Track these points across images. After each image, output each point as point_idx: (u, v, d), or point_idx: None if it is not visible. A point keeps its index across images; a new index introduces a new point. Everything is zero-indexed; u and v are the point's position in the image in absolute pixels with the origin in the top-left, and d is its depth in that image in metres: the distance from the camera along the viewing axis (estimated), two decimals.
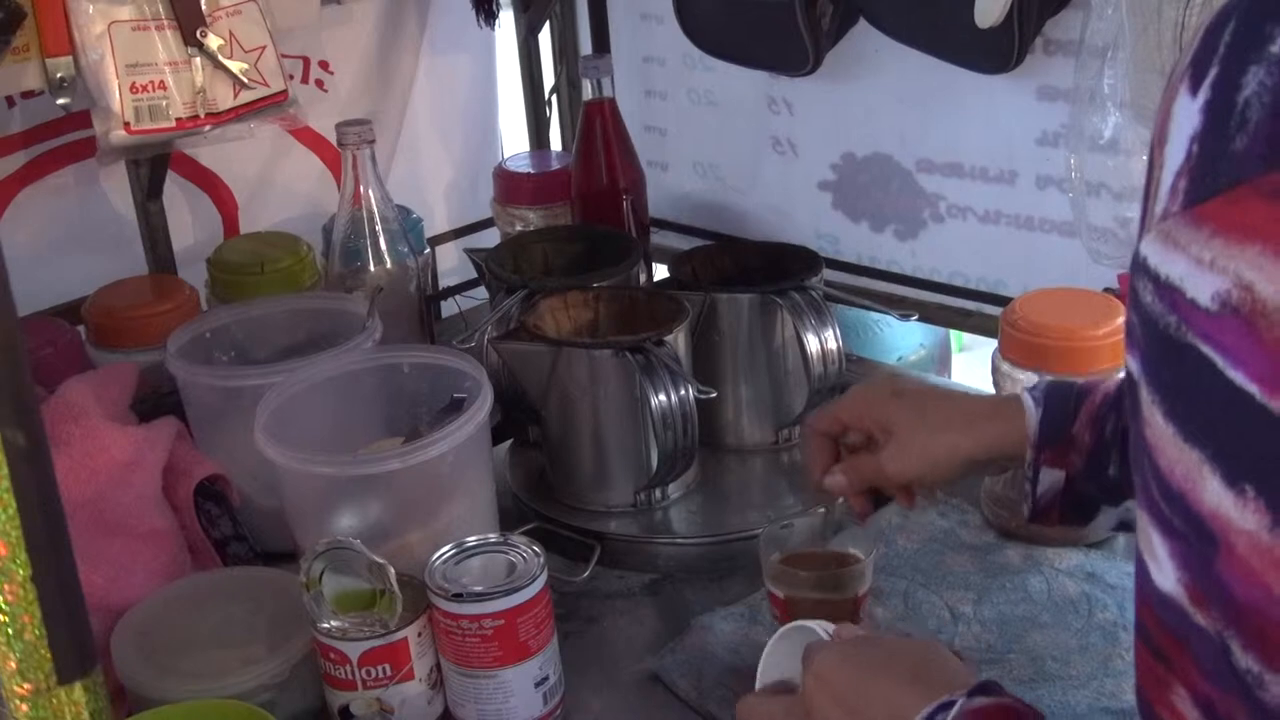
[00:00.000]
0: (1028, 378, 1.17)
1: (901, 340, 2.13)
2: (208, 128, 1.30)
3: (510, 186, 1.66)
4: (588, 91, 1.53)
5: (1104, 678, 1.01)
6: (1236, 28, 0.45)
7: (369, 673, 0.98)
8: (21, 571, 0.41)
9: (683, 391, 1.17)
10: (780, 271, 1.34)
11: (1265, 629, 0.43)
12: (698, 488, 1.28)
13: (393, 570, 0.97)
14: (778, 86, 1.58)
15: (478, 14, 1.67)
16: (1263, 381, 0.41)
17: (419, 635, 0.99)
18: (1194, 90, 0.46)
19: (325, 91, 1.65)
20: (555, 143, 1.88)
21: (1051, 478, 0.92)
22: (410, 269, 1.45)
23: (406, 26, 1.72)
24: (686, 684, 1.04)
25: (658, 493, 1.24)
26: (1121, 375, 0.92)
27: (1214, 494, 0.43)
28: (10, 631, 0.42)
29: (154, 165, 1.43)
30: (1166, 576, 0.47)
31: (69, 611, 0.44)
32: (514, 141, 1.93)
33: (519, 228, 1.62)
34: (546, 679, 1.00)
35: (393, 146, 1.74)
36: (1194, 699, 0.47)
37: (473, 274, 1.52)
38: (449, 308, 1.70)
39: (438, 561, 1.00)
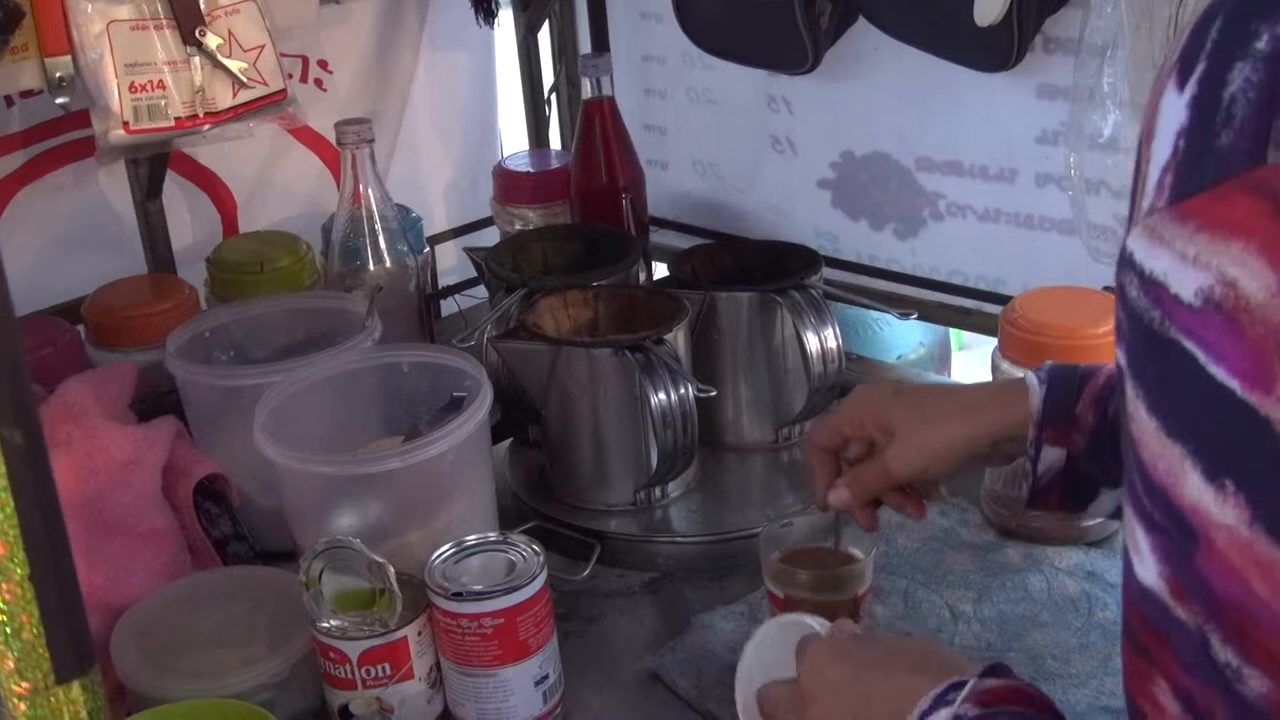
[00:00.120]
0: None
1: (901, 339, 2.13)
2: (207, 127, 1.30)
3: (510, 185, 1.66)
4: (587, 90, 1.53)
5: (1104, 676, 1.01)
6: (1223, 24, 0.45)
7: (369, 672, 0.98)
8: (19, 570, 0.41)
9: (682, 390, 1.17)
10: (780, 270, 1.34)
11: (1244, 623, 0.43)
12: (697, 486, 1.28)
13: (392, 569, 0.97)
14: (777, 85, 1.58)
15: (477, 13, 1.67)
16: (1244, 377, 0.41)
17: (419, 634, 0.99)
18: (1181, 86, 0.46)
19: (324, 91, 1.65)
20: (555, 141, 1.88)
21: (1053, 456, 0.92)
22: (410, 268, 1.45)
23: (405, 25, 1.72)
24: (686, 683, 1.04)
25: (657, 491, 1.24)
26: None
27: (1194, 488, 0.43)
28: (8, 630, 0.42)
29: (153, 164, 1.43)
30: (1148, 570, 0.47)
31: (67, 610, 0.44)
32: (513, 140, 1.93)
33: (518, 226, 1.62)
34: (546, 678, 1.00)
35: (392, 145, 1.74)
36: (1174, 691, 0.47)
37: (472, 273, 1.52)
38: (448, 307, 1.70)
39: (437, 560, 1.00)
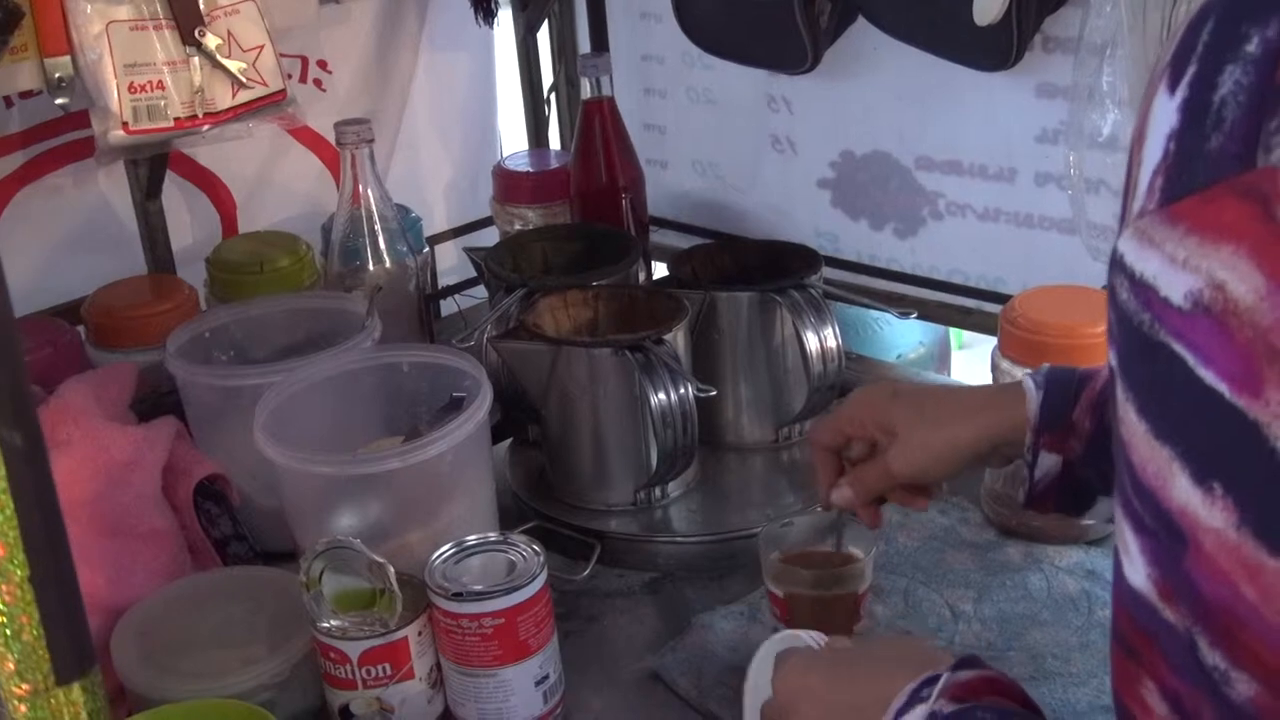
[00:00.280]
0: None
1: (901, 338, 2.13)
2: (206, 127, 1.29)
3: (509, 185, 1.66)
4: (586, 90, 1.53)
5: (1104, 675, 1.01)
6: (1214, 27, 0.45)
7: (369, 672, 0.98)
8: (19, 572, 0.41)
9: (682, 390, 1.17)
10: (779, 270, 1.34)
11: (1232, 626, 0.43)
12: (697, 486, 1.28)
13: (392, 569, 0.97)
14: (777, 84, 1.58)
15: (476, 12, 1.67)
16: (1232, 380, 0.41)
17: (419, 634, 0.99)
18: (1172, 89, 0.46)
19: (324, 91, 1.65)
20: (554, 141, 1.88)
21: (1049, 462, 0.92)
22: (409, 268, 1.45)
23: (405, 25, 1.72)
24: (687, 683, 1.04)
25: (657, 491, 1.24)
26: None
27: (1183, 491, 0.43)
28: (8, 632, 0.42)
29: (153, 165, 1.43)
30: (1138, 572, 0.47)
31: (67, 612, 0.44)
32: (513, 140, 1.93)
33: (518, 226, 1.62)
34: (546, 678, 1.00)
35: (391, 145, 1.74)
36: (1162, 692, 0.47)
37: (472, 273, 1.52)
38: (448, 307, 1.70)
39: (438, 560, 1.00)
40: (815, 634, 0.84)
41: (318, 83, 1.65)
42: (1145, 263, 0.44)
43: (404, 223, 1.48)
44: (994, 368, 1.21)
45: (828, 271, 1.37)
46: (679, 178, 1.73)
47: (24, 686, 0.43)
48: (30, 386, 0.45)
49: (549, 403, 1.23)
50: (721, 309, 1.30)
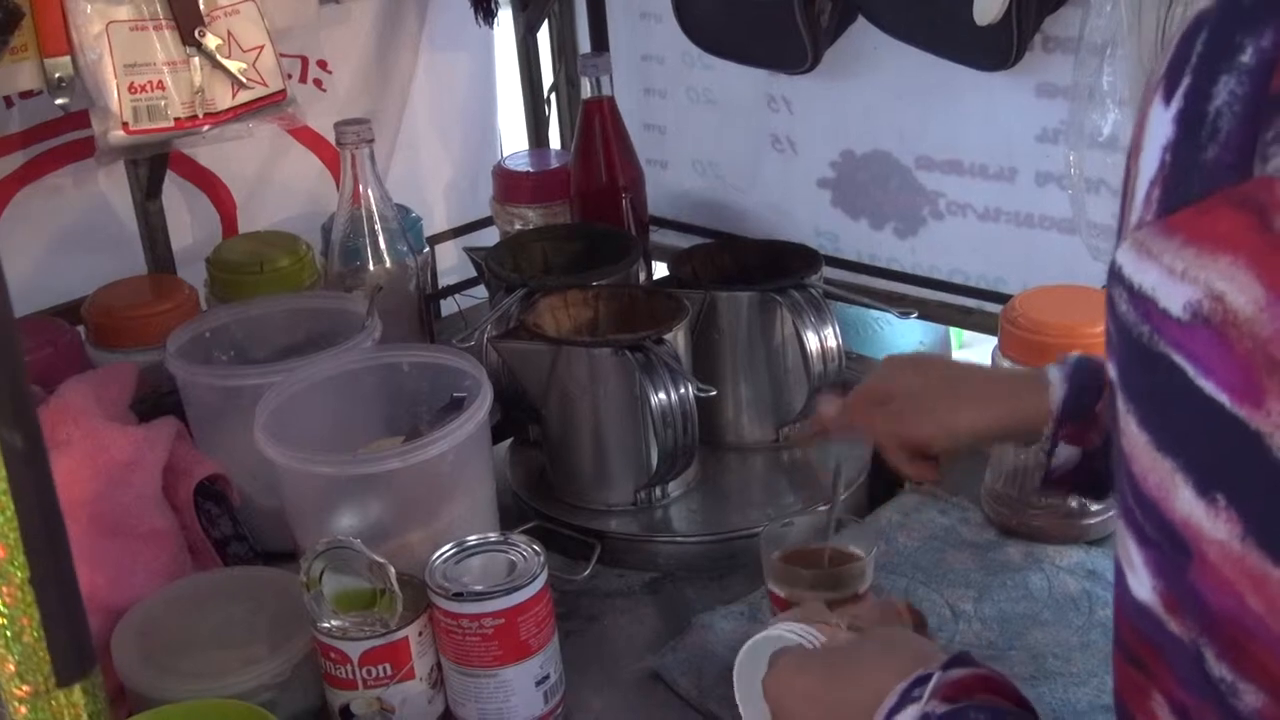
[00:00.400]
0: None
1: (901, 338, 2.12)
2: (206, 127, 1.29)
3: (509, 185, 1.66)
4: (587, 90, 1.53)
5: (1105, 675, 1.00)
6: (1208, 38, 0.45)
7: (369, 672, 0.98)
8: (20, 574, 0.41)
9: (683, 390, 1.17)
10: (780, 269, 1.34)
11: (1238, 637, 0.43)
12: (698, 486, 1.28)
13: (393, 569, 0.97)
14: (777, 84, 1.58)
15: (476, 12, 1.67)
16: (1233, 391, 0.41)
17: (419, 634, 0.99)
18: (1167, 100, 0.46)
19: (324, 91, 1.65)
20: (554, 141, 1.88)
21: (1068, 452, 0.93)
22: (409, 268, 1.45)
23: (405, 25, 1.72)
24: (687, 682, 1.04)
25: (658, 491, 1.24)
26: None
27: (1186, 503, 0.43)
28: (9, 634, 0.42)
29: (153, 165, 1.43)
30: (1142, 584, 0.47)
31: (68, 614, 0.44)
32: (513, 140, 1.93)
33: (518, 226, 1.62)
34: (547, 678, 1.00)
35: (391, 145, 1.74)
36: (1171, 706, 0.47)
37: (472, 273, 1.52)
38: (448, 306, 1.70)
39: (438, 561, 1.00)
40: (799, 626, 0.84)
41: (318, 83, 1.65)
42: (1144, 274, 0.44)
43: (404, 223, 1.48)
44: (994, 367, 1.21)
45: (828, 271, 1.37)
46: (679, 177, 1.73)
47: (24, 688, 0.43)
48: (30, 387, 0.45)
49: (549, 403, 1.23)
50: (722, 309, 1.30)
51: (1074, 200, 1.29)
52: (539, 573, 0.98)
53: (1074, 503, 1.15)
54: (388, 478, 1.08)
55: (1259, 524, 0.41)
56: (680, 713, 1.03)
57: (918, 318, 1.41)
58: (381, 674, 0.98)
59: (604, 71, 1.53)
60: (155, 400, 1.29)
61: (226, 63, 1.28)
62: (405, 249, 1.44)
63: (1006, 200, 1.42)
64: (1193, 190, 0.44)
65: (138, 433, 1.14)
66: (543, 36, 1.84)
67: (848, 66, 1.48)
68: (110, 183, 1.51)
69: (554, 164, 1.66)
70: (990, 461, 1.20)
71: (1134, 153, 0.48)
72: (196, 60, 1.27)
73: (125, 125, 1.25)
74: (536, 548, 1.01)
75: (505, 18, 1.78)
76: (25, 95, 1.38)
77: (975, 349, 2.42)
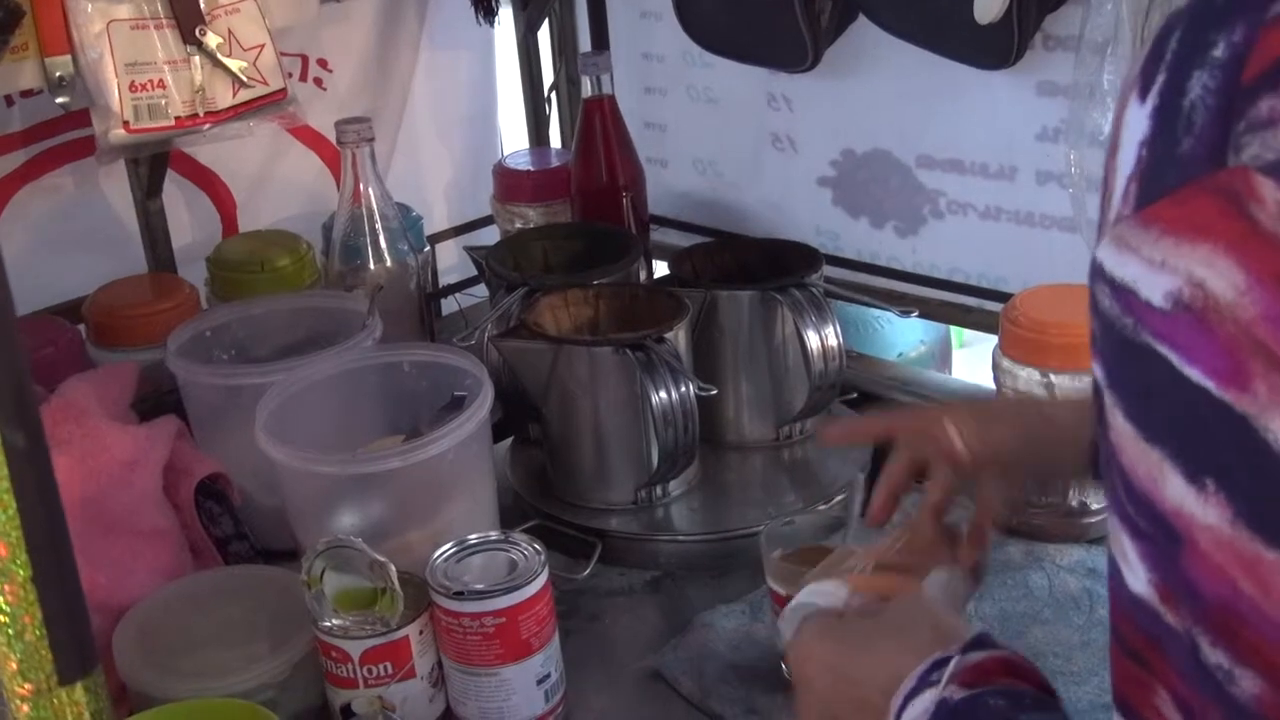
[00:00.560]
0: (1028, 374, 1.17)
1: (902, 337, 2.13)
2: (207, 126, 1.29)
3: (510, 184, 1.66)
4: (587, 88, 1.53)
5: (1105, 673, 1.00)
6: (1182, 36, 0.46)
7: (370, 671, 0.98)
8: (22, 572, 0.41)
9: (683, 389, 1.17)
10: (780, 268, 1.34)
11: (1232, 623, 0.43)
12: (698, 485, 1.28)
13: (394, 568, 0.97)
14: (777, 83, 1.57)
15: (477, 11, 1.67)
16: (1217, 375, 0.41)
17: (420, 633, 0.99)
18: (1143, 97, 0.47)
19: (324, 90, 1.65)
20: (555, 140, 1.88)
21: None
22: (410, 267, 1.45)
23: (405, 24, 1.72)
24: (688, 681, 1.04)
25: (659, 490, 1.24)
26: None
27: (1176, 491, 0.44)
28: (11, 632, 0.42)
29: (153, 164, 1.43)
30: (1138, 578, 0.47)
31: (69, 612, 0.44)
32: (513, 139, 1.93)
33: (519, 225, 1.62)
34: (548, 676, 1.00)
35: (392, 144, 1.74)
36: (1174, 700, 0.47)
37: (473, 272, 1.52)
38: (449, 305, 1.70)
39: (439, 559, 1.00)
40: (816, 587, 0.81)
41: (318, 81, 1.65)
42: (1124, 268, 0.45)
43: (405, 221, 1.48)
44: (995, 366, 1.21)
45: (828, 270, 1.37)
46: (679, 176, 1.73)
47: (27, 686, 0.43)
48: (32, 386, 0.45)
49: (550, 401, 1.23)
50: (722, 308, 1.30)
51: (1074, 199, 1.29)
52: (540, 571, 0.98)
53: (1074, 502, 1.15)
54: (388, 477, 1.08)
55: (1249, 507, 0.42)
56: (681, 711, 1.03)
57: (918, 316, 1.41)
58: (382, 673, 0.98)
59: (604, 70, 1.53)
60: (156, 399, 1.29)
61: (227, 61, 1.28)
62: (406, 248, 1.44)
63: (1007, 199, 1.42)
64: (1169, 183, 0.44)
65: (139, 432, 1.14)
66: (543, 35, 1.84)
67: (848, 65, 1.48)
68: (111, 182, 1.50)
69: (554, 163, 1.66)
70: None
71: (1112, 151, 0.49)
72: (197, 59, 1.27)
73: (126, 124, 1.25)
74: (537, 546, 1.01)
75: (506, 16, 1.78)
76: (26, 94, 1.38)
77: (975, 348, 2.43)
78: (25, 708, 0.43)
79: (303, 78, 1.62)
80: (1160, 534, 0.45)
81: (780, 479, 1.33)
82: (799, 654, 0.76)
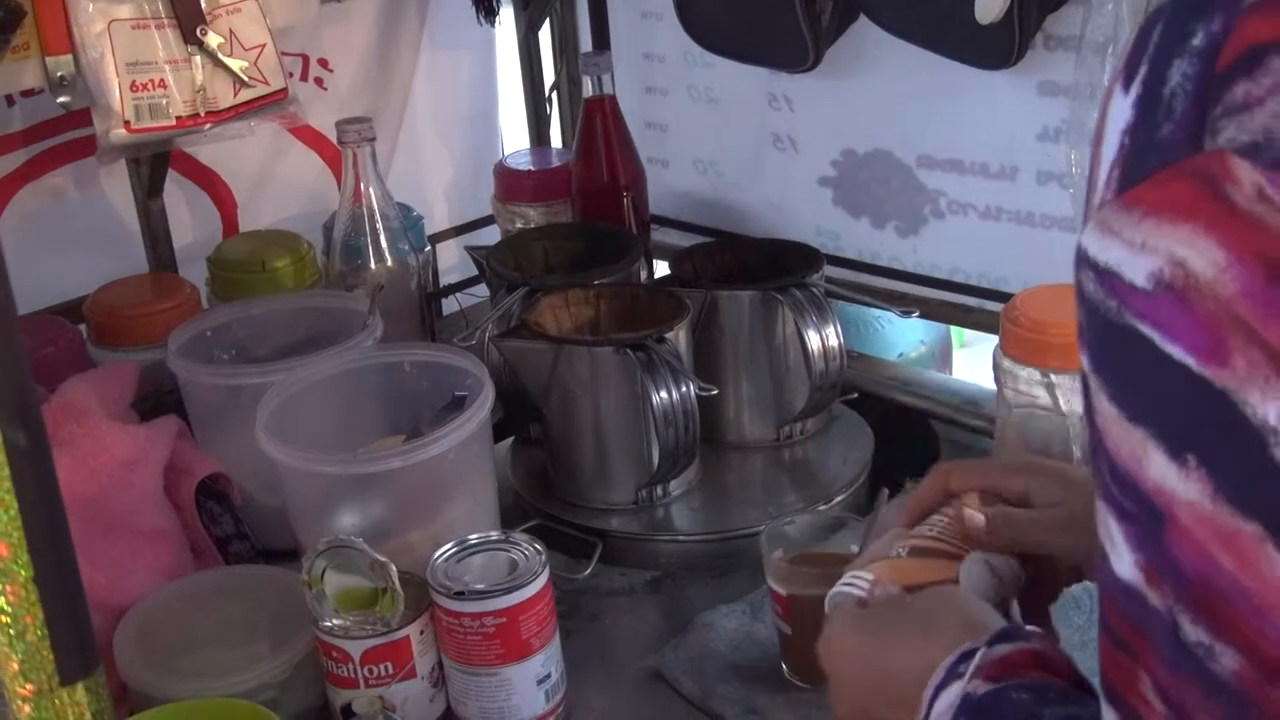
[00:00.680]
0: (1029, 374, 1.17)
1: (902, 337, 2.13)
2: (208, 126, 1.29)
3: (511, 184, 1.66)
4: (588, 88, 1.53)
5: None
6: (1164, 29, 0.47)
7: (371, 671, 0.98)
8: (24, 573, 0.41)
9: (684, 389, 1.17)
10: (781, 268, 1.34)
11: (1211, 600, 0.44)
12: (699, 485, 1.28)
13: (395, 568, 0.97)
14: (778, 83, 1.57)
15: (477, 11, 1.67)
16: (1198, 352, 0.42)
17: (421, 633, 0.99)
18: (1126, 87, 0.48)
19: (324, 89, 1.65)
20: (556, 140, 1.88)
21: None
22: (411, 267, 1.45)
23: (406, 23, 1.72)
24: (689, 681, 1.04)
25: (659, 490, 1.24)
26: None
27: (1159, 468, 0.44)
28: (12, 632, 0.42)
29: (154, 163, 1.43)
30: (1124, 561, 0.48)
31: (71, 613, 0.44)
32: (514, 138, 1.93)
33: (519, 225, 1.62)
34: (548, 676, 1.00)
35: (393, 144, 1.74)
36: (1156, 688, 0.47)
37: (473, 271, 1.52)
38: (450, 305, 1.70)
39: (439, 559, 1.00)
40: (849, 577, 0.79)
41: (319, 81, 1.65)
42: (1107, 251, 0.46)
43: (405, 221, 1.48)
44: (995, 367, 1.21)
45: (829, 270, 1.37)
46: (680, 176, 1.73)
47: (28, 687, 0.43)
48: (34, 387, 0.45)
49: (550, 401, 1.23)
50: (723, 308, 1.30)
51: (1075, 199, 1.29)
52: (540, 571, 0.98)
53: None
54: (389, 477, 1.08)
55: (1228, 482, 0.43)
56: (682, 711, 1.03)
57: (919, 316, 1.41)
58: (383, 673, 0.98)
59: (605, 70, 1.53)
60: (157, 399, 1.29)
61: (228, 61, 1.28)
62: (406, 248, 1.44)
63: (1008, 199, 1.42)
64: (1150, 168, 0.45)
65: (139, 431, 1.14)
66: (544, 35, 1.84)
67: (849, 65, 1.48)
68: (111, 181, 1.50)
69: (555, 163, 1.66)
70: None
71: (1097, 140, 0.50)
72: (198, 59, 1.27)
73: (127, 124, 1.24)
74: (538, 546, 1.01)
75: (506, 16, 1.78)
76: (27, 93, 1.38)
77: (976, 348, 2.43)
78: (27, 708, 0.43)
79: (303, 77, 1.62)
80: (1143, 513, 0.46)
81: (781, 479, 1.33)
82: (830, 647, 0.76)
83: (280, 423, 1.12)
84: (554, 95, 1.86)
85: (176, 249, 1.51)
